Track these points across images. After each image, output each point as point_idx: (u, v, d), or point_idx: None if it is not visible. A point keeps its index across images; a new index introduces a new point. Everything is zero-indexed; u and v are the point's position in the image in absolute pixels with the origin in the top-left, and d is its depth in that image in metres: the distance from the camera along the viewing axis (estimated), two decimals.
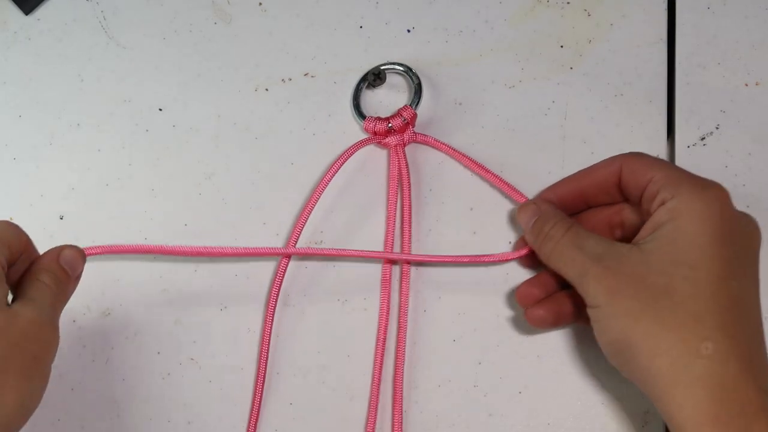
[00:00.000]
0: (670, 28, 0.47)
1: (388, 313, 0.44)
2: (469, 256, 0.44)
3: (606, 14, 0.48)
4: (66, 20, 0.49)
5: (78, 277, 0.40)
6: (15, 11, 0.49)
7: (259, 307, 0.45)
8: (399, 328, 0.44)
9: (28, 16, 0.49)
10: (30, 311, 0.36)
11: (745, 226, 0.38)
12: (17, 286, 0.38)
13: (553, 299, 0.42)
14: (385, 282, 0.44)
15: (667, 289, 0.36)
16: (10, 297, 0.37)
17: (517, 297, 0.43)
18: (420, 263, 0.45)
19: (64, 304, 0.39)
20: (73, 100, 0.48)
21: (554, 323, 0.42)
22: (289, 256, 0.44)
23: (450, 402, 0.43)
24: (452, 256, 0.44)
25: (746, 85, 0.47)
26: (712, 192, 0.37)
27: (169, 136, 0.47)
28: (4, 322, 0.35)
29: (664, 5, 0.48)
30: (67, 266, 0.40)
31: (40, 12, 0.49)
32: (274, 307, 0.44)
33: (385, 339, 0.44)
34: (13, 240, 0.38)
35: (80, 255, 0.40)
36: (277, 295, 0.44)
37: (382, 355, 0.44)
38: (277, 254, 0.45)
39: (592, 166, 0.43)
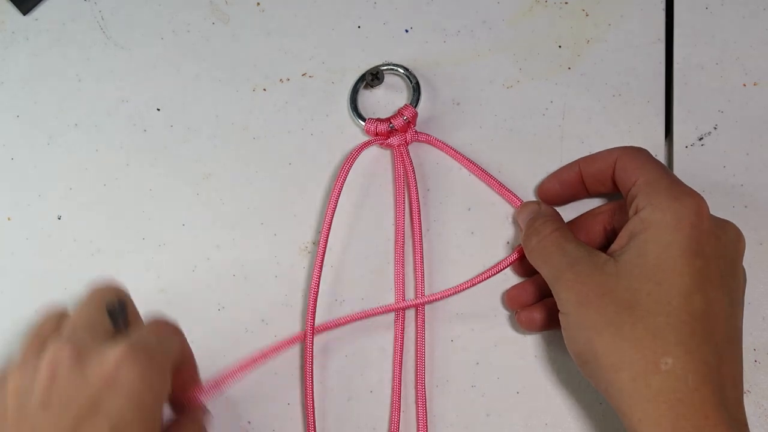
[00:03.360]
0: (668, 28, 0.48)
1: (403, 312, 0.44)
2: (468, 280, 0.43)
3: (604, 14, 0.48)
4: (64, 20, 0.49)
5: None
6: (13, 11, 0.49)
7: (257, 307, 0.45)
8: (416, 335, 0.44)
9: (26, 16, 0.49)
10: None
11: (723, 235, 0.37)
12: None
13: (543, 304, 0.42)
14: (398, 339, 0.44)
15: (631, 304, 0.36)
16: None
17: (506, 299, 0.44)
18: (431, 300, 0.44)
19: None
20: (71, 100, 0.48)
21: (542, 327, 0.43)
22: (312, 335, 0.43)
23: (448, 402, 0.43)
24: (456, 287, 0.43)
25: (744, 85, 0.47)
26: (686, 203, 0.37)
27: (167, 136, 0.47)
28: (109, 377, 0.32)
29: (662, 5, 0.48)
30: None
31: (38, 12, 0.49)
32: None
33: (403, 333, 0.44)
34: (177, 357, 0.36)
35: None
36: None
37: (402, 351, 0.44)
38: (298, 340, 0.43)
39: (593, 155, 0.43)
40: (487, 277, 0.43)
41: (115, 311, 0.36)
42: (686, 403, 0.34)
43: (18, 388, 0.32)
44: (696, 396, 0.34)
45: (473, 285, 0.43)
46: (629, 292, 0.36)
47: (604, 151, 0.42)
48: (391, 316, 0.44)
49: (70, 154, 0.47)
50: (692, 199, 0.37)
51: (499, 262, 0.43)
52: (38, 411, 0.31)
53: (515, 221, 0.45)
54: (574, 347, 0.38)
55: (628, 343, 0.35)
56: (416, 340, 0.44)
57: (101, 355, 0.32)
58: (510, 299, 0.44)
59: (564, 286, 0.38)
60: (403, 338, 0.44)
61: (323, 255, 0.44)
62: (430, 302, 0.44)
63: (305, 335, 0.43)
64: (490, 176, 0.45)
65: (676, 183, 0.38)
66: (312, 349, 0.43)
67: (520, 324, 0.43)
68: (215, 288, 0.45)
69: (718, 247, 0.37)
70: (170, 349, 0.35)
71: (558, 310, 0.42)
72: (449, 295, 0.43)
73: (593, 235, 0.42)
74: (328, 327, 0.44)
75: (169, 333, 0.36)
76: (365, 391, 0.44)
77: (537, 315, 0.42)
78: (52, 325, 0.35)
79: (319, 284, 0.44)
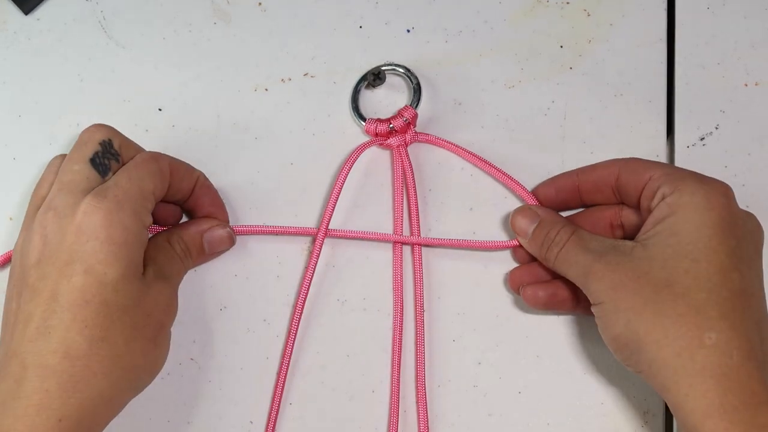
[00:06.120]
0: (669, 28, 0.48)
1: (402, 307, 0.44)
2: (468, 240, 0.45)
3: (606, 14, 0.48)
4: (66, 20, 0.49)
5: (216, 255, 0.44)
6: (14, 11, 0.49)
7: (259, 307, 0.45)
8: (416, 324, 0.44)
9: (28, 15, 0.49)
10: (162, 286, 0.39)
11: (748, 222, 0.38)
12: (158, 243, 0.41)
13: (550, 283, 0.42)
14: (397, 274, 0.45)
15: (669, 282, 0.36)
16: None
17: (509, 280, 0.44)
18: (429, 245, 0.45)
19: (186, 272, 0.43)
20: (73, 100, 0.48)
21: (547, 305, 0.42)
22: (322, 238, 0.44)
23: (450, 402, 0.43)
24: (454, 240, 0.45)
25: (745, 85, 0.47)
26: (714, 186, 0.38)
27: (168, 136, 0.47)
28: (140, 295, 0.37)
29: (664, 5, 0.48)
30: (207, 244, 0.43)
31: (40, 12, 0.49)
32: (302, 310, 0.44)
33: (401, 333, 0.44)
34: (157, 186, 0.39)
35: (228, 239, 0.43)
36: (305, 296, 0.44)
37: (400, 349, 0.44)
38: (310, 234, 0.45)
39: (590, 165, 0.44)
40: (487, 248, 0.44)
41: (98, 159, 0.39)
42: (732, 377, 0.34)
43: (20, 250, 0.39)
44: (742, 371, 0.34)
45: (472, 247, 0.45)
46: (665, 271, 0.36)
47: (602, 162, 0.43)
48: (392, 319, 0.44)
49: None
50: (719, 183, 0.38)
51: (501, 241, 0.44)
52: (33, 268, 0.37)
53: (510, 224, 0.44)
54: (612, 332, 0.38)
55: (669, 319, 0.35)
56: (416, 340, 0.44)
57: (75, 210, 0.37)
58: (513, 280, 0.44)
59: (595, 278, 0.38)
60: (401, 324, 0.44)
61: (318, 254, 0.44)
62: (426, 245, 0.45)
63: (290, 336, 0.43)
64: (497, 169, 0.45)
65: (696, 172, 0.39)
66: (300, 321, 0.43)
67: (525, 299, 0.43)
68: (217, 288, 0.45)
69: (745, 231, 0.38)
70: (144, 183, 0.39)
71: (562, 294, 0.42)
72: (446, 245, 0.45)
73: (600, 231, 0.42)
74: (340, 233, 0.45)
75: (143, 168, 0.39)
76: (367, 390, 0.44)
77: (541, 293, 0.42)
78: (50, 183, 0.39)
79: (312, 279, 0.44)
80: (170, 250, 0.41)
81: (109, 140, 0.40)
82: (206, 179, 0.44)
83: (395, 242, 0.45)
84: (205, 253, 0.43)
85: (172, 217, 0.44)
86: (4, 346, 0.37)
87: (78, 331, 0.36)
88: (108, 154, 0.39)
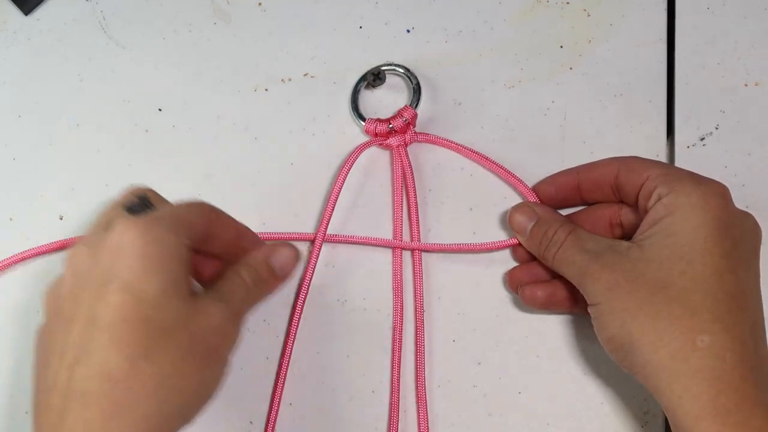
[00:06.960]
0: (669, 28, 0.47)
1: (402, 307, 0.44)
2: (468, 244, 0.45)
3: (606, 14, 0.48)
4: (65, 20, 0.49)
5: (288, 277, 0.41)
6: (14, 11, 0.49)
7: (259, 307, 0.45)
8: (416, 324, 0.44)
9: (28, 16, 0.49)
10: (216, 308, 0.36)
11: (745, 222, 0.38)
12: (222, 272, 0.39)
13: (549, 283, 0.42)
14: (397, 276, 0.45)
15: (665, 284, 0.36)
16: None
17: (508, 280, 0.44)
18: (428, 250, 0.45)
19: (261, 301, 0.40)
20: (73, 100, 0.48)
21: (545, 305, 0.42)
22: (320, 243, 0.44)
23: (449, 402, 0.44)
24: (453, 245, 0.45)
25: (746, 85, 0.47)
26: (710, 187, 0.38)
27: (168, 137, 0.47)
28: (186, 314, 0.35)
29: (664, 5, 0.48)
30: (277, 266, 0.40)
31: (40, 12, 0.49)
32: (302, 310, 0.44)
33: (401, 333, 0.44)
34: (196, 219, 0.37)
35: (295, 258, 0.41)
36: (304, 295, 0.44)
37: (400, 349, 0.44)
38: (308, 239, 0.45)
39: (590, 163, 0.43)
40: (487, 249, 0.44)
41: (134, 208, 0.37)
42: (725, 380, 0.34)
43: (49, 293, 0.37)
44: (735, 374, 0.34)
45: (472, 251, 0.45)
46: (661, 273, 0.36)
47: (601, 160, 0.43)
48: (392, 319, 0.44)
49: (72, 155, 0.47)
50: (716, 184, 0.38)
51: (500, 241, 0.44)
52: (65, 300, 0.35)
53: (508, 221, 0.44)
54: (607, 333, 0.38)
55: (664, 322, 0.35)
56: (416, 340, 0.44)
57: (107, 237, 0.35)
58: (511, 279, 0.44)
59: (591, 279, 0.38)
60: (401, 324, 0.44)
61: (318, 254, 0.44)
62: (426, 250, 0.45)
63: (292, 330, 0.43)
64: (499, 165, 0.45)
65: (693, 173, 0.39)
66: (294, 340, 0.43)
67: (523, 299, 0.43)
68: None
69: (743, 231, 0.37)
70: (182, 211, 0.37)
71: (561, 294, 0.42)
72: (446, 251, 0.45)
73: (599, 229, 0.42)
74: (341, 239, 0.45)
75: (184, 204, 0.38)
76: (367, 391, 0.44)
77: (540, 293, 0.42)
78: None
79: (311, 280, 0.44)
80: (236, 277, 0.39)
81: (146, 195, 0.38)
82: (249, 231, 0.41)
83: (394, 248, 0.45)
84: (277, 277, 0.41)
85: (213, 269, 0.41)
86: (43, 381, 0.35)
87: (117, 350, 0.33)
88: (144, 206, 0.37)
